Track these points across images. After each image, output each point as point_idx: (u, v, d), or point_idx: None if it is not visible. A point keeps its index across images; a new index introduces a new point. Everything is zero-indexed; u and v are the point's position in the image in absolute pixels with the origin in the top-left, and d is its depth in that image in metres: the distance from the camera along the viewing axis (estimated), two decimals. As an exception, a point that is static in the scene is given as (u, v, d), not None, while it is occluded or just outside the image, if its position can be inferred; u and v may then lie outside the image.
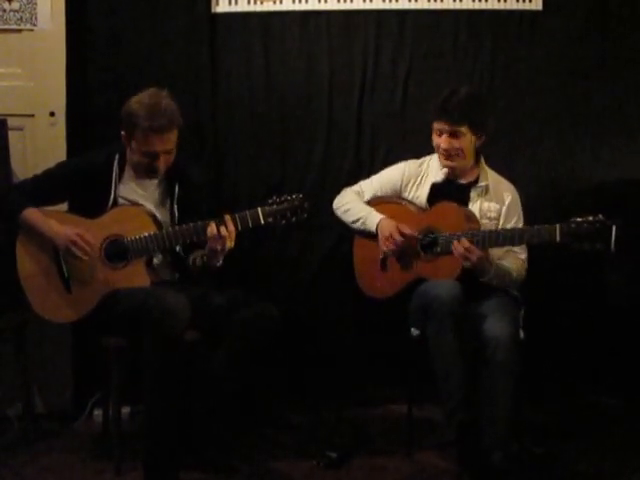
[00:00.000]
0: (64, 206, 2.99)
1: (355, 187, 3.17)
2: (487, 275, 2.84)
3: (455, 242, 2.78)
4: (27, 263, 2.82)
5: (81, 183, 2.83)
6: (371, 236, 3.04)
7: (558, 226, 2.66)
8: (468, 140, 2.93)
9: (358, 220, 3.06)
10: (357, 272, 3.12)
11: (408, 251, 2.95)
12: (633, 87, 3.47)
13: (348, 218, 3.10)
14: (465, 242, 2.76)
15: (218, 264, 2.81)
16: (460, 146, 2.92)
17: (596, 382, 3.46)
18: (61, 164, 2.97)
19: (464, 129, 2.90)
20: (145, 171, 2.84)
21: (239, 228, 2.74)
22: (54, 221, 2.79)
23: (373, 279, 3.07)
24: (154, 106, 2.74)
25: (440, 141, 2.94)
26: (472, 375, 2.74)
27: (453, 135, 2.91)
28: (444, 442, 2.86)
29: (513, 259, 2.92)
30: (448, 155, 2.95)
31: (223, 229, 2.71)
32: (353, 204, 3.10)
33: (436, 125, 2.94)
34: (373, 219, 3.02)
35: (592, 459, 2.94)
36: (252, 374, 2.88)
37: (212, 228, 2.71)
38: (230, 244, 2.73)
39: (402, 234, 2.92)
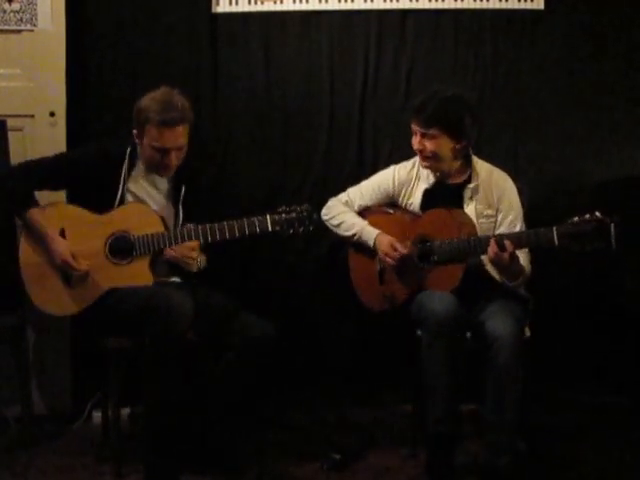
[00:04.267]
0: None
1: (342, 197, 3.13)
2: (518, 280, 2.82)
3: (492, 241, 2.71)
4: (29, 252, 2.81)
5: (91, 172, 2.82)
6: (365, 248, 3.03)
7: (555, 228, 2.62)
8: (443, 144, 2.87)
9: (353, 235, 3.04)
10: (355, 286, 3.09)
11: (407, 263, 2.93)
12: (634, 87, 3.47)
13: (341, 232, 3.08)
14: (508, 243, 2.70)
15: (194, 270, 2.86)
16: (433, 149, 2.87)
17: (599, 381, 3.44)
18: (73, 152, 3.00)
19: (435, 132, 2.85)
20: (157, 168, 2.84)
21: (218, 238, 2.76)
22: (53, 232, 2.78)
23: (372, 293, 3.04)
24: (166, 101, 2.76)
25: (414, 141, 2.93)
26: (459, 391, 2.74)
27: (425, 136, 2.88)
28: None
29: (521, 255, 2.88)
30: (422, 156, 2.93)
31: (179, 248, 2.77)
32: (344, 216, 3.08)
33: (412, 124, 2.92)
34: (369, 234, 3.00)
35: (595, 459, 2.93)
36: (252, 385, 2.85)
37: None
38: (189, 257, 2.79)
39: (396, 250, 2.90)
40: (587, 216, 2.58)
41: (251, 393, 2.84)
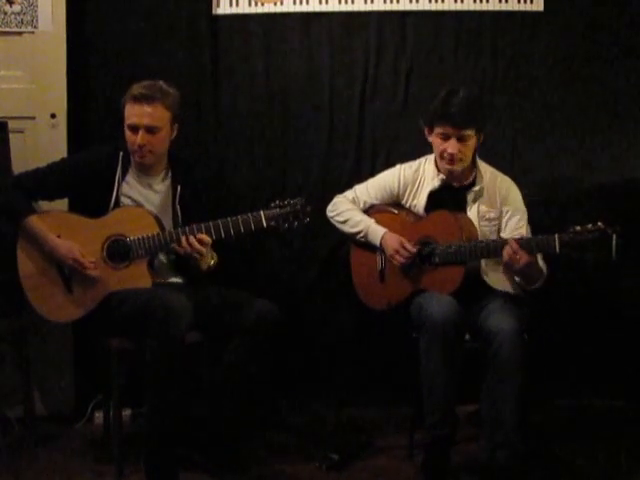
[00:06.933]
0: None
1: (349, 194, 3.13)
2: (537, 283, 2.82)
3: (507, 246, 2.70)
4: (28, 262, 2.82)
5: (85, 178, 2.84)
6: (368, 245, 3.03)
7: (557, 236, 2.62)
8: (473, 144, 2.89)
9: (359, 232, 3.03)
10: (355, 284, 3.10)
11: (408, 264, 2.93)
12: (634, 87, 3.46)
13: (347, 228, 3.08)
14: (514, 244, 2.70)
15: (204, 267, 2.85)
16: (467, 150, 2.87)
17: (598, 383, 3.44)
18: (65, 160, 3.00)
19: (470, 132, 2.85)
20: (133, 152, 2.84)
21: (213, 237, 2.76)
22: (53, 237, 2.79)
23: (372, 291, 3.05)
24: (146, 83, 2.80)
25: (447, 145, 2.86)
26: (456, 393, 2.76)
27: (461, 139, 2.84)
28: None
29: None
30: (452, 160, 2.88)
31: (190, 239, 2.75)
32: (351, 213, 3.07)
33: (439, 129, 2.86)
34: (376, 232, 2.99)
35: (594, 460, 2.93)
36: (257, 376, 2.86)
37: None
38: (197, 251, 2.76)
39: (406, 249, 2.90)
40: (589, 225, 2.58)
41: (255, 380, 2.84)
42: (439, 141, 2.89)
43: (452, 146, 2.85)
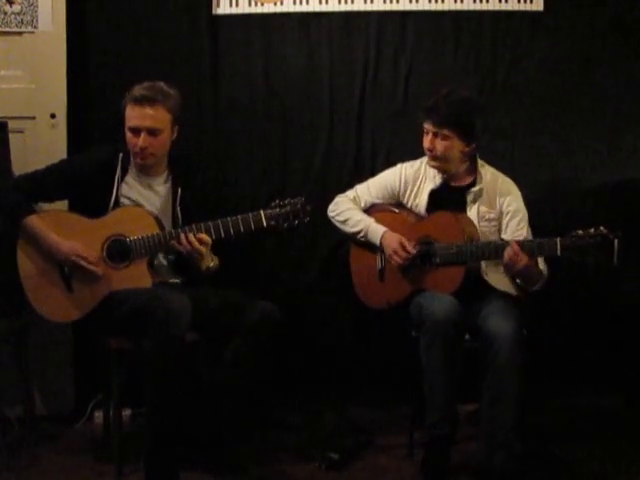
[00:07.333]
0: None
1: (350, 193, 3.14)
2: (537, 285, 2.84)
3: (508, 247, 2.73)
4: (28, 262, 2.82)
5: (84, 179, 2.84)
6: (368, 245, 3.03)
7: (559, 240, 2.64)
8: (454, 145, 2.89)
9: (359, 232, 3.04)
10: (355, 283, 3.10)
11: (408, 263, 2.93)
12: (634, 87, 3.47)
13: (347, 228, 3.08)
14: (515, 246, 2.71)
15: (203, 268, 2.84)
16: (443, 149, 2.89)
17: (597, 383, 3.45)
18: (64, 161, 2.99)
19: (448, 132, 2.87)
20: (134, 154, 2.84)
21: (213, 236, 2.76)
22: (55, 236, 2.79)
23: (372, 291, 3.06)
24: (147, 84, 2.80)
25: (425, 140, 2.93)
26: (456, 393, 2.77)
27: (437, 136, 2.89)
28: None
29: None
30: (431, 156, 2.93)
31: (189, 237, 2.74)
32: (351, 213, 3.08)
33: (424, 124, 2.93)
34: (376, 232, 3.00)
35: (593, 460, 2.93)
36: (258, 375, 2.86)
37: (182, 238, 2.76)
38: (196, 251, 2.76)
39: (405, 250, 2.90)
40: (592, 230, 2.60)
41: (254, 382, 2.85)
42: (424, 135, 2.95)
43: (427, 140, 2.92)
